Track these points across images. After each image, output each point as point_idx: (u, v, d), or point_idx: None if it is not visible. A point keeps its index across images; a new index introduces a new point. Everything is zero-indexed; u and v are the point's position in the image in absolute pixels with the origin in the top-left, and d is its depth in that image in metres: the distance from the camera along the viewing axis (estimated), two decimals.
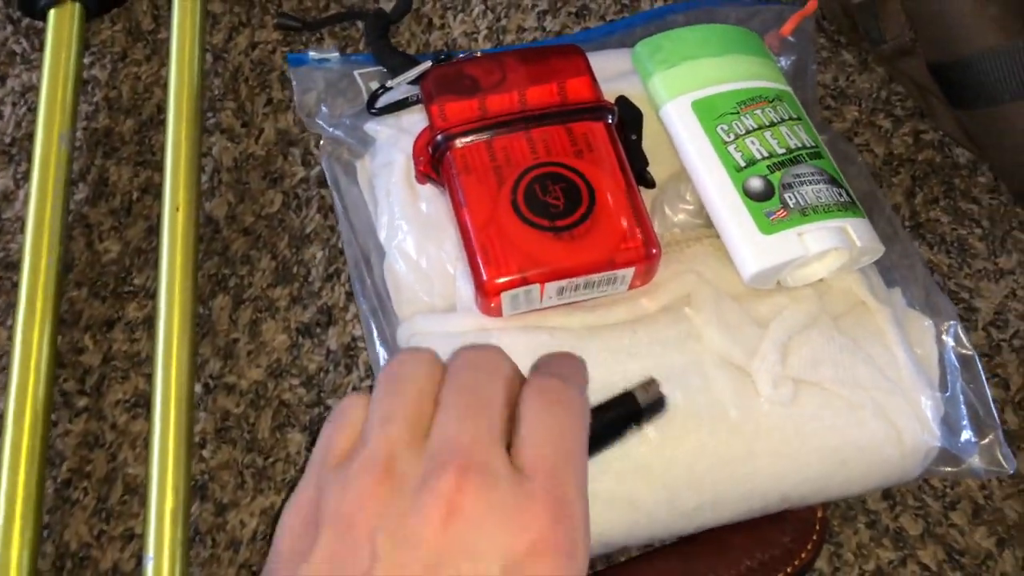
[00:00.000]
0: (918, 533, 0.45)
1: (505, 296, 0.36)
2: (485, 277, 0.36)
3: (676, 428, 0.38)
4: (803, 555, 0.42)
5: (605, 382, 0.35)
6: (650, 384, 0.33)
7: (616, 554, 0.43)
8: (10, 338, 0.46)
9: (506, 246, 0.36)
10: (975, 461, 0.43)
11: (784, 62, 0.53)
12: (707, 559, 0.41)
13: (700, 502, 0.39)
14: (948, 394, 0.43)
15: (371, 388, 0.45)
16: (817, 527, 0.43)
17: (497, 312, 0.37)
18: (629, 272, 0.38)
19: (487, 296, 0.36)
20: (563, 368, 0.30)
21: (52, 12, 0.52)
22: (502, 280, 0.36)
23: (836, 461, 0.40)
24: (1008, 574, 0.44)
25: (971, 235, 0.52)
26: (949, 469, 0.43)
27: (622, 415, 0.32)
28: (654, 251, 0.38)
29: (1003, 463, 0.43)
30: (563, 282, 0.37)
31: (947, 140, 0.55)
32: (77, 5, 0.53)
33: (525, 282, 0.36)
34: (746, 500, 0.40)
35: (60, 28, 0.52)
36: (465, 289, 0.39)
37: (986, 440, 0.43)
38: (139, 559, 0.42)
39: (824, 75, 0.57)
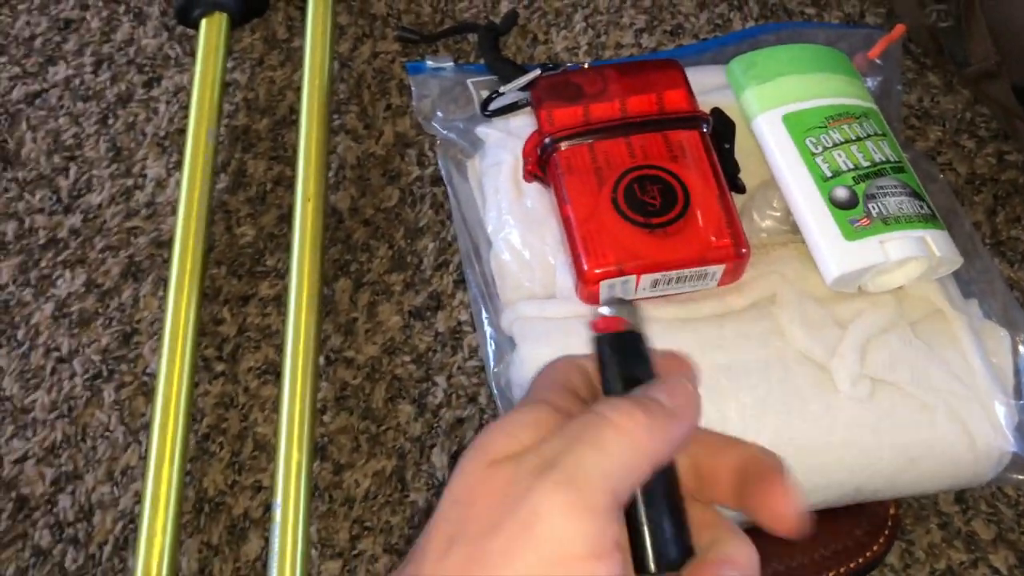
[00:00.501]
0: (990, 538, 0.47)
1: (603, 285, 0.40)
2: (586, 267, 0.40)
3: (757, 414, 0.41)
4: (875, 548, 0.44)
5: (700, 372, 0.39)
6: None
7: None
8: (161, 308, 0.53)
9: (605, 239, 0.40)
10: None
11: (871, 82, 0.56)
12: (778, 546, 0.44)
13: None
14: (1022, 402, 0.45)
15: (474, 368, 0.50)
16: (890, 523, 0.45)
17: (595, 300, 0.41)
18: (719, 269, 0.41)
19: (587, 284, 0.40)
20: (674, 397, 0.25)
21: (204, 21, 0.59)
22: (601, 270, 0.40)
23: (907, 458, 0.42)
24: None
25: None
26: (1022, 477, 0.45)
27: None
28: (743, 251, 0.41)
29: None
30: (657, 275, 0.41)
31: None
32: (224, 15, 0.59)
33: (622, 273, 0.40)
34: (821, 489, 0.42)
35: (209, 35, 0.58)
36: (564, 279, 0.43)
37: None
38: (266, 507, 0.47)
39: (909, 96, 0.60)
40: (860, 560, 0.43)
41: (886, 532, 0.44)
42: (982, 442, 0.42)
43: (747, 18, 0.63)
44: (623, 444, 0.23)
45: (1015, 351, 0.46)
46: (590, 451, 0.23)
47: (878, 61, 0.56)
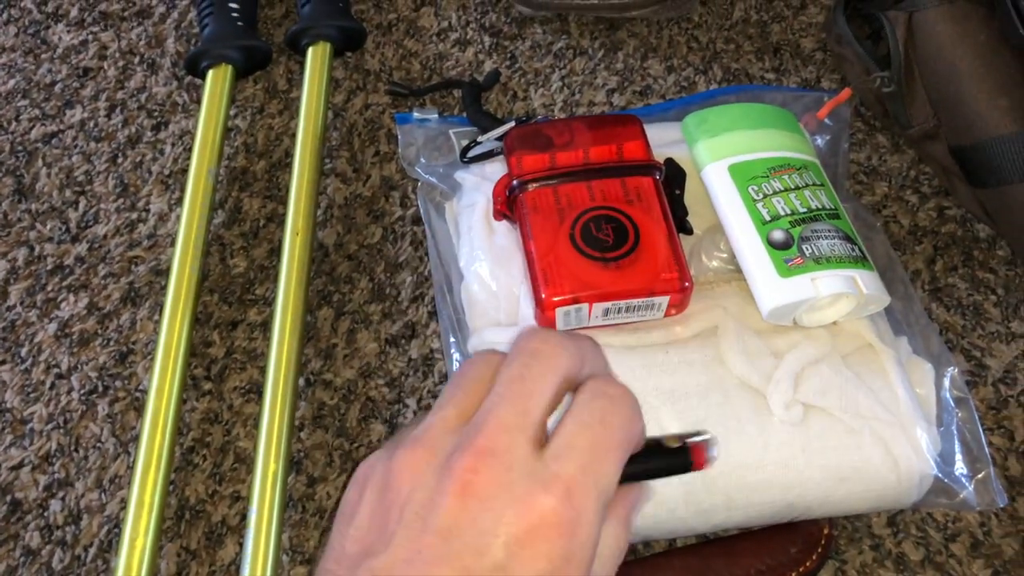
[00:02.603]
0: (919, 559, 0.50)
1: (559, 312, 0.44)
2: (544, 295, 0.44)
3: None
4: (807, 564, 0.47)
5: (640, 390, 0.43)
6: (712, 442, 0.30)
7: (642, 549, 0.50)
8: (155, 331, 0.57)
9: (562, 271, 0.44)
10: (969, 494, 0.48)
11: (820, 141, 0.61)
12: (721, 559, 0.47)
13: (714, 503, 0.45)
14: (943, 429, 0.48)
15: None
16: (823, 542, 0.48)
17: (552, 325, 0.45)
18: (665, 300, 0.46)
19: (544, 311, 0.44)
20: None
21: (210, 72, 0.64)
22: (557, 298, 0.44)
23: (836, 478, 0.46)
24: None
25: (986, 301, 0.58)
26: (945, 501, 0.48)
27: (674, 464, 0.30)
28: (687, 284, 0.46)
29: (995, 497, 0.48)
30: (608, 304, 0.45)
31: (969, 216, 0.62)
32: (229, 67, 0.65)
33: (576, 301, 0.44)
34: (756, 505, 0.46)
35: (215, 85, 0.64)
36: (527, 308, 0.47)
37: (980, 475, 0.48)
38: (243, 516, 0.50)
39: (859, 154, 0.65)
40: (793, 575, 0.46)
41: (819, 550, 0.47)
42: (905, 465, 0.46)
43: (711, 81, 0.69)
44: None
45: (939, 384, 0.50)
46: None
47: (827, 121, 0.61)
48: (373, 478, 0.27)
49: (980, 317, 0.58)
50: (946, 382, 0.50)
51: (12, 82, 0.68)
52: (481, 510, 0.25)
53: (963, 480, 0.48)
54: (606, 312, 0.46)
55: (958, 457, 0.48)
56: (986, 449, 0.48)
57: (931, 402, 0.48)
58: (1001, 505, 0.48)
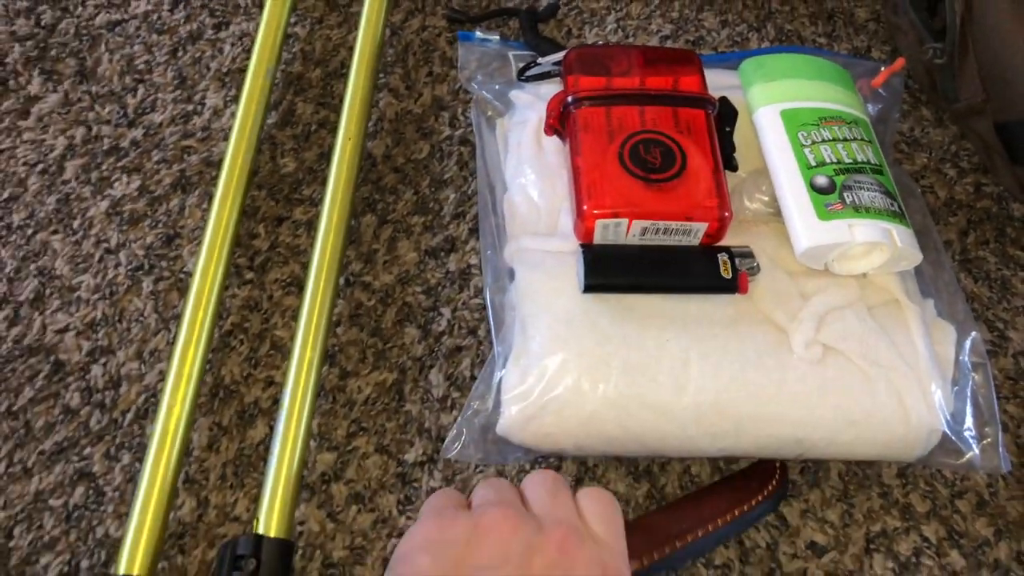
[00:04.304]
0: (924, 511, 0.51)
1: (598, 224, 0.46)
2: (586, 207, 0.46)
3: (716, 359, 0.46)
4: (764, 493, 0.49)
5: (671, 314, 0.45)
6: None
7: (657, 470, 0.51)
8: (203, 218, 0.58)
9: (607, 187, 0.46)
10: (975, 456, 0.49)
11: (872, 108, 0.61)
12: (691, 510, 0.49)
13: (724, 428, 0.47)
14: (956, 389, 0.49)
15: (477, 305, 0.55)
16: (777, 476, 0.50)
17: (590, 237, 0.47)
18: (702, 227, 0.47)
19: (584, 221, 0.46)
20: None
21: None
22: (598, 211, 0.46)
23: (847, 420, 0.47)
24: (1001, 560, 0.50)
25: (1015, 276, 0.59)
26: (951, 461, 0.49)
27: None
28: (726, 214, 0.47)
29: (1000, 462, 0.49)
30: (646, 223, 0.46)
31: (1005, 195, 0.63)
32: None
33: (616, 216, 0.46)
34: (765, 437, 0.47)
35: None
36: (566, 220, 0.49)
37: (987, 440, 0.49)
38: (275, 400, 0.52)
39: (903, 124, 0.66)
40: (753, 502, 0.48)
41: (774, 481, 0.49)
42: (915, 417, 0.47)
43: (764, 39, 0.70)
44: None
45: (959, 347, 0.51)
46: None
47: (880, 90, 0.62)
48: (467, 525, 0.36)
49: (1007, 291, 0.59)
50: (966, 345, 0.51)
51: None
52: (573, 563, 0.34)
53: (971, 441, 0.49)
54: (643, 231, 0.47)
55: (968, 419, 0.49)
56: (997, 415, 0.50)
57: (949, 362, 0.50)
58: (1005, 471, 0.49)
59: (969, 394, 0.50)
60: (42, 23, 0.66)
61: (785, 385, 0.47)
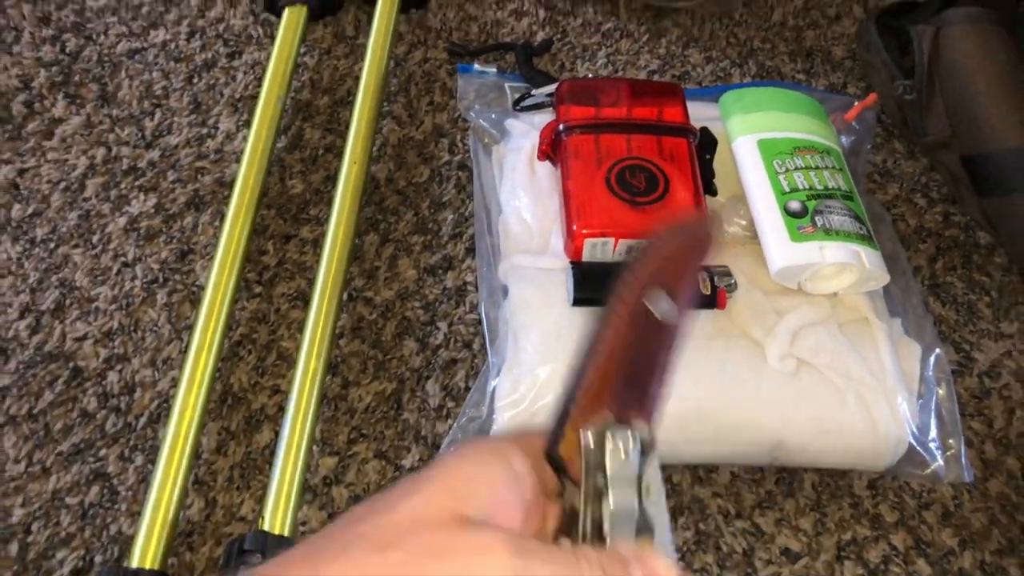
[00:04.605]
0: (893, 521, 0.54)
1: (587, 243, 0.49)
2: (575, 227, 0.49)
3: (698, 372, 0.50)
4: None
5: None
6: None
7: None
8: (216, 235, 0.62)
9: (594, 208, 0.50)
10: (940, 467, 0.52)
11: (846, 140, 0.65)
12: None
13: (704, 435, 0.50)
14: (922, 402, 0.53)
15: (473, 320, 0.58)
16: None
17: (579, 256, 0.50)
18: None
19: (574, 240, 0.49)
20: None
21: (287, 10, 0.69)
22: (587, 231, 0.49)
23: (818, 429, 0.50)
24: (966, 569, 0.53)
25: (980, 301, 0.63)
26: (918, 472, 0.52)
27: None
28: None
29: (963, 472, 0.52)
30: (632, 241, 0.50)
31: (972, 224, 0.67)
32: (304, 8, 0.70)
33: (604, 235, 0.49)
34: (742, 444, 0.51)
35: (290, 23, 0.69)
36: (557, 240, 0.52)
37: (951, 451, 0.53)
38: (280, 407, 0.55)
39: (876, 156, 0.70)
40: None
41: None
42: (883, 428, 0.50)
43: (746, 75, 0.74)
44: None
45: (924, 364, 0.54)
46: None
47: (854, 124, 0.66)
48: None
49: (973, 315, 0.62)
50: (931, 362, 0.54)
51: (103, 0, 0.73)
52: None
53: (936, 452, 0.52)
54: (629, 249, 0.51)
55: (933, 431, 0.52)
56: (959, 427, 0.53)
57: (915, 378, 0.53)
58: (967, 480, 0.52)
59: (934, 408, 0.53)
60: (67, 50, 0.70)
61: (761, 395, 0.50)
